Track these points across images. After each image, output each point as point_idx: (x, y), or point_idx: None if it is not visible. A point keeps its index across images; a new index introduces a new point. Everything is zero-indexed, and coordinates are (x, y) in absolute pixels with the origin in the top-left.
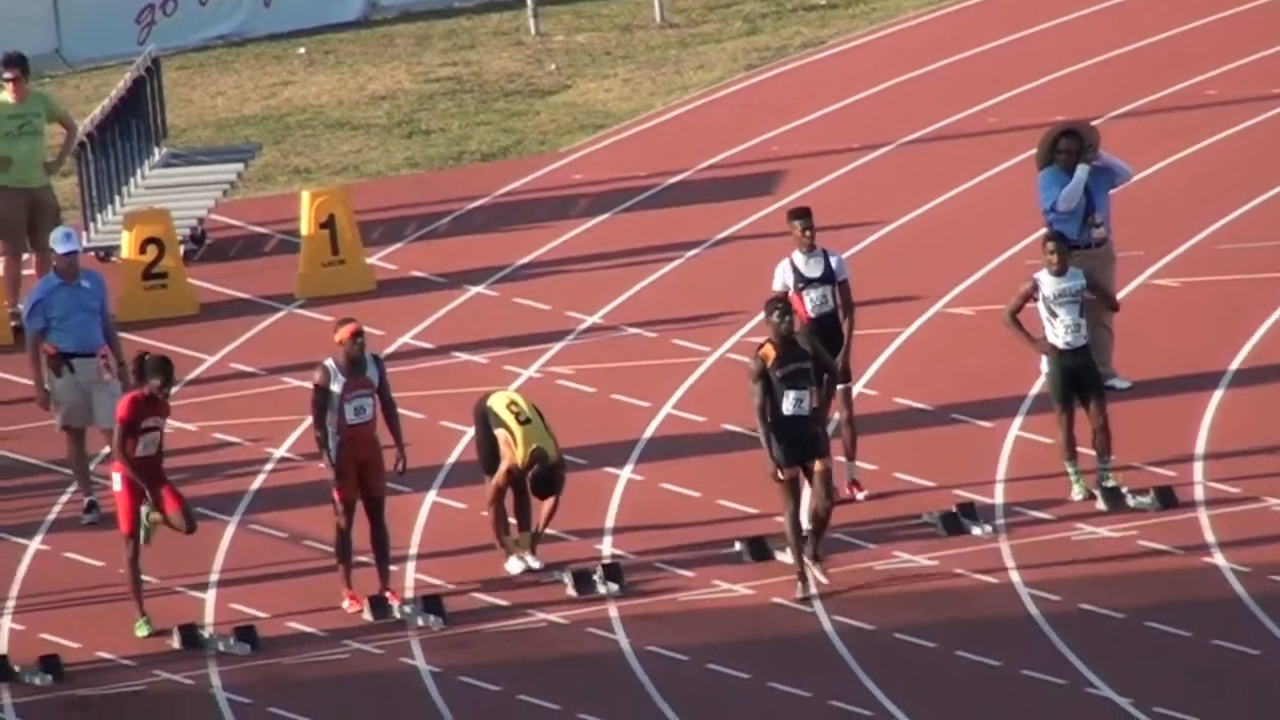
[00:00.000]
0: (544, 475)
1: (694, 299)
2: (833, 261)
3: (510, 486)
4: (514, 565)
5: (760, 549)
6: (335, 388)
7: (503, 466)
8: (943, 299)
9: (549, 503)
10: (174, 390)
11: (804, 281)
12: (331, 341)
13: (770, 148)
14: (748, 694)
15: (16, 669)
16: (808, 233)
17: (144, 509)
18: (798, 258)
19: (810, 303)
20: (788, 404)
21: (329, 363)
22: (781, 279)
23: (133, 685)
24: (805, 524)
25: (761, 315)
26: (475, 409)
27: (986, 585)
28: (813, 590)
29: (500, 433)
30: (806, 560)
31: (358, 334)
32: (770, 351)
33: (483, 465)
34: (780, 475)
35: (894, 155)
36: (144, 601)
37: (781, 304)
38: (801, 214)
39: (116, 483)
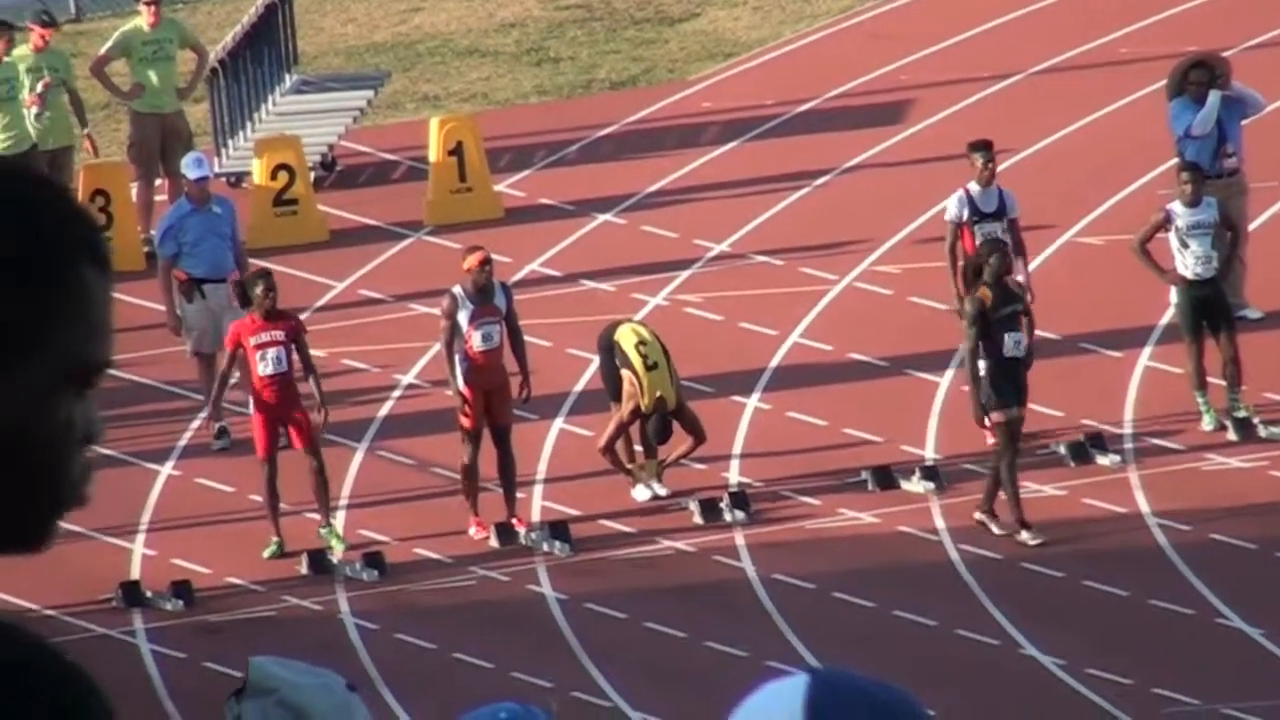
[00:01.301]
0: (661, 424)
1: (822, 227)
2: (1006, 198)
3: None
4: (640, 492)
5: (886, 478)
6: (463, 315)
7: (627, 406)
8: (1072, 229)
9: (688, 443)
10: (304, 316)
11: (978, 215)
12: (459, 269)
13: (898, 76)
14: (873, 622)
15: (148, 594)
16: (989, 165)
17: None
18: (974, 189)
19: (981, 236)
20: (1008, 345)
21: (457, 290)
22: (955, 210)
23: (262, 610)
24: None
25: (890, 243)
26: (601, 339)
27: (1114, 515)
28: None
29: (626, 373)
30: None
31: (486, 261)
32: (987, 293)
33: (608, 393)
34: (993, 419)
35: (1023, 85)
36: (279, 525)
37: (996, 244)
38: (983, 146)
39: (250, 407)
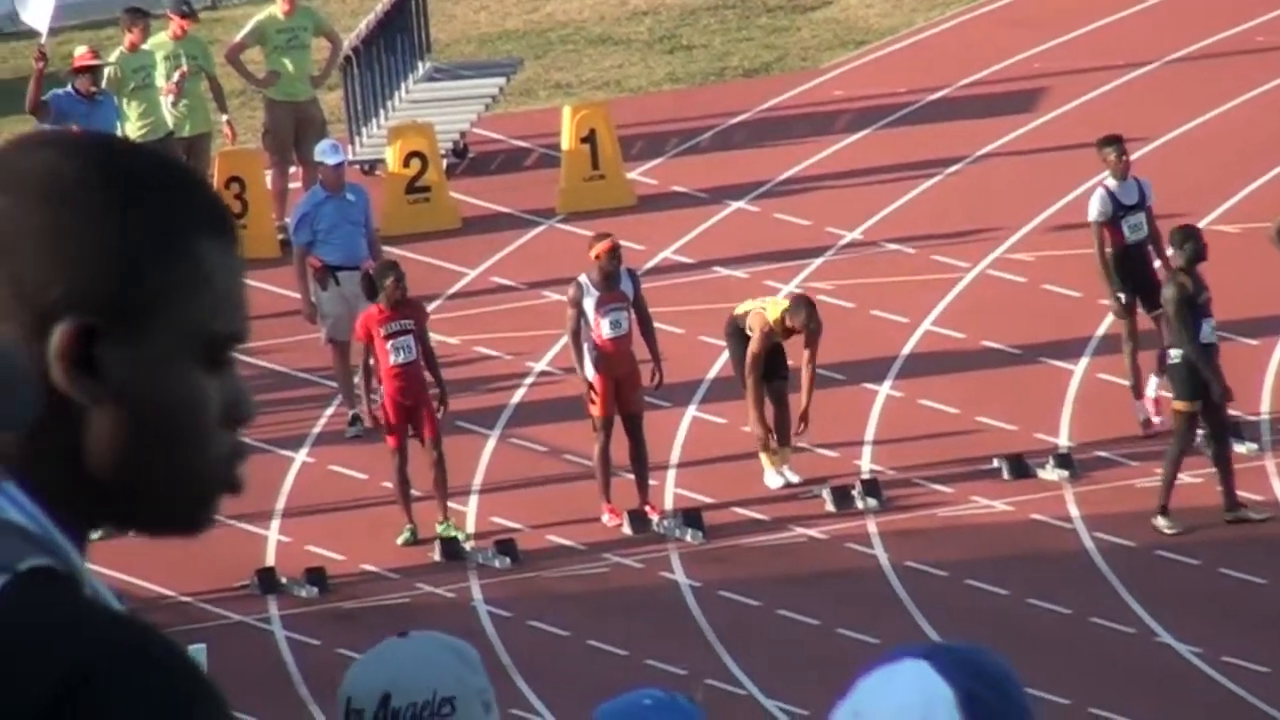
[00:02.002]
0: (803, 304)
1: (954, 215)
2: (1144, 187)
3: (770, 398)
4: (773, 479)
5: (1019, 466)
6: (589, 302)
7: (757, 334)
8: (1207, 217)
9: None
10: (436, 304)
11: (1122, 209)
12: (589, 256)
13: (1031, 64)
14: (1007, 610)
15: (283, 581)
16: (1123, 158)
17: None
18: (1112, 184)
19: (1129, 229)
20: (1205, 332)
21: (583, 278)
22: (1099, 209)
23: (395, 597)
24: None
25: (1023, 230)
26: (728, 326)
27: (1251, 503)
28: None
29: (750, 318)
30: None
31: (614, 249)
32: (1186, 280)
33: (738, 379)
34: (1176, 407)
35: (1157, 73)
36: (410, 509)
37: (1189, 231)
38: (1113, 141)
39: (380, 396)
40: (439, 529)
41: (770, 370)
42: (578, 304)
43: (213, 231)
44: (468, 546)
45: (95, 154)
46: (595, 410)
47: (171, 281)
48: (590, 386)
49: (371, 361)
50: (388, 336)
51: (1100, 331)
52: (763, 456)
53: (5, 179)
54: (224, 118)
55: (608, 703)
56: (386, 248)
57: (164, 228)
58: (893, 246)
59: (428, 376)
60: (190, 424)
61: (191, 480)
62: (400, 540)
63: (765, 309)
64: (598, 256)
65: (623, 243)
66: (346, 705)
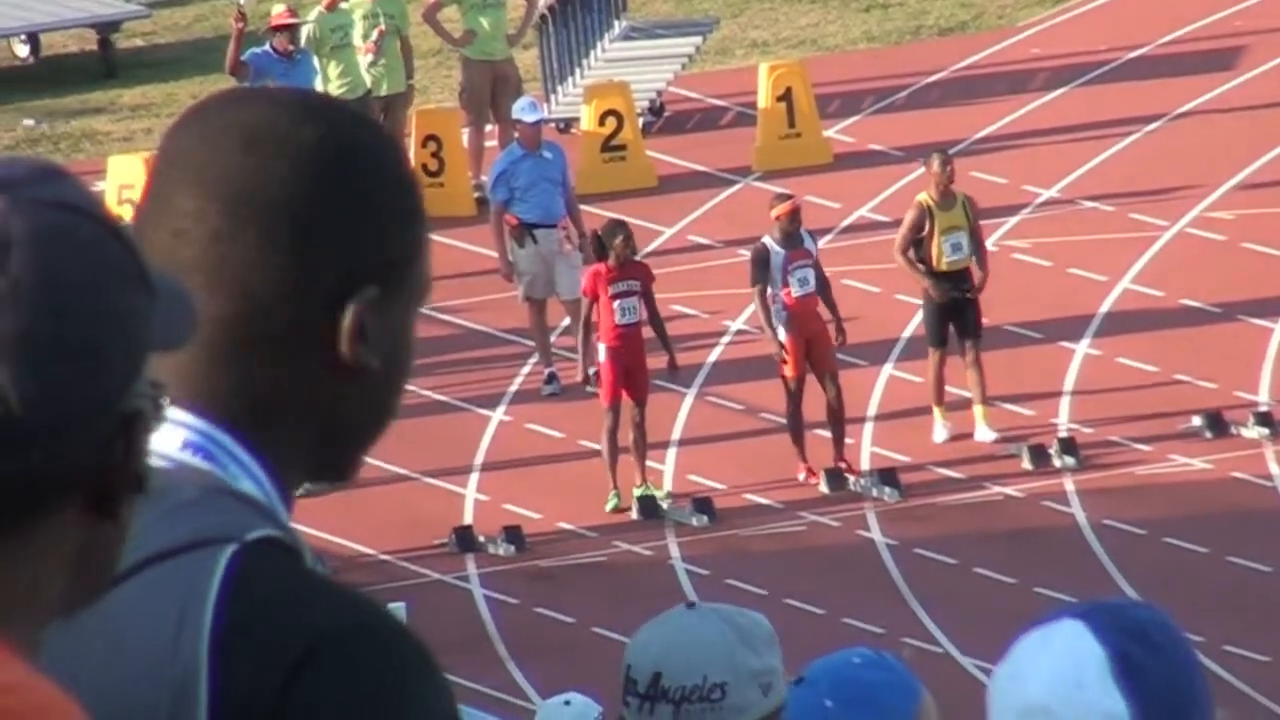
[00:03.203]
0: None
1: (1152, 173)
2: None
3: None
4: (940, 433)
5: (1218, 424)
6: (775, 263)
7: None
8: None
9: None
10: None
11: None
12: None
13: (1233, 22)
14: (1207, 568)
15: (481, 539)
16: None
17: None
18: None
19: None
20: None
21: (766, 239)
22: None
23: (592, 556)
24: None
25: (1223, 189)
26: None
27: None
28: None
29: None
30: None
31: (795, 211)
32: None
33: (929, 339)
34: None
35: None
36: (616, 474)
37: None
38: None
39: (602, 354)
40: (635, 491)
41: (963, 328)
42: (764, 264)
43: (419, 196)
44: (665, 505)
45: (340, 122)
46: (788, 370)
47: (413, 243)
48: (781, 347)
49: (595, 318)
50: (614, 296)
51: None
52: (935, 411)
53: (278, 146)
54: (409, 83)
55: (818, 661)
56: (583, 206)
57: (404, 193)
58: (1090, 204)
59: (648, 337)
60: (402, 386)
61: (382, 430)
62: (608, 507)
63: None
64: (779, 217)
65: (819, 200)
66: (626, 671)
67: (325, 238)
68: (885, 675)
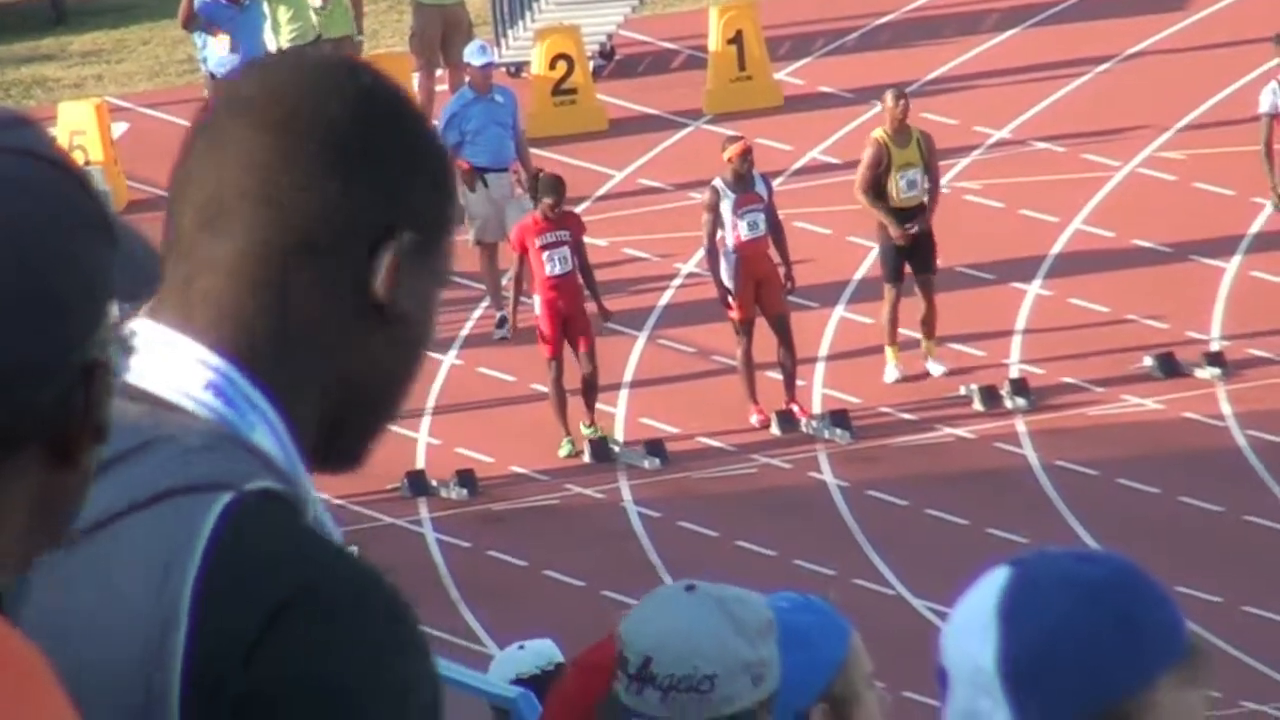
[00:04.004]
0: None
1: (1104, 114)
2: None
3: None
4: (891, 373)
5: (1170, 364)
6: (725, 205)
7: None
8: None
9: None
10: (583, 206)
11: None
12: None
13: None
14: (1158, 508)
15: (434, 483)
16: None
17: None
18: None
19: None
20: None
21: (717, 182)
22: (1270, 100)
23: (545, 499)
24: None
25: (1174, 129)
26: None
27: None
28: None
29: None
30: None
31: (747, 151)
32: None
33: (885, 275)
34: None
35: None
36: (567, 421)
37: None
38: None
39: (537, 307)
40: (585, 432)
41: (918, 264)
42: (714, 208)
43: (452, 175)
44: (616, 448)
45: (392, 91)
46: (735, 314)
47: (447, 215)
48: (728, 291)
49: (522, 271)
50: (543, 247)
51: (1254, 229)
52: (888, 350)
53: (337, 86)
54: (357, 37)
55: None
56: (533, 150)
57: (443, 165)
58: (1042, 145)
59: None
60: (422, 355)
61: (395, 412)
62: (562, 453)
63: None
64: (730, 159)
65: (769, 143)
66: (620, 648)
67: (375, 173)
68: (814, 618)
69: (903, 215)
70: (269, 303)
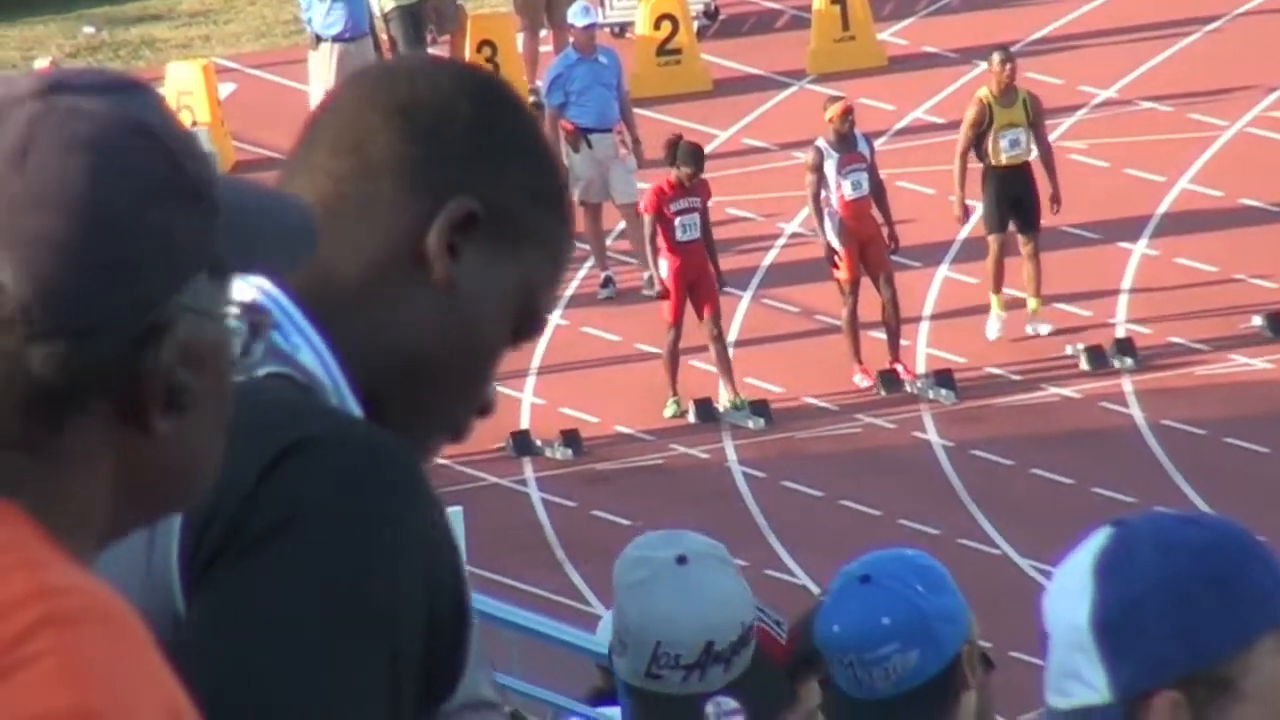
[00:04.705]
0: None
1: (1211, 73)
2: None
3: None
4: (993, 329)
5: (1278, 323)
6: (830, 165)
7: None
8: None
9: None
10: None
11: None
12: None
13: None
14: (1266, 467)
15: (538, 443)
16: None
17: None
18: None
19: None
20: None
21: (820, 142)
22: None
23: (649, 459)
24: None
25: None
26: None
27: None
28: None
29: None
30: None
31: (848, 111)
32: None
33: (987, 228)
34: None
35: None
36: (676, 383)
37: None
38: None
39: (663, 269)
40: (728, 402)
41: (1022, 223)
42: (818, 168)
43: (571, 221)
44: (721, 408)
45: (520, 101)
46: (841, 274)
47: (543, 232)
48: (834, 250)
49: (655, 232)
50: (676, 213)
51: None
52: (992, 299)
53: (444, 76)
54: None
55: (868, 559)
56: (637, 110)
57: (554, 189)
58: (1148, 105)
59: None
60: (482, 360)
61: (434, 416)
62: (667, 413)
63: None
64: (831, 119)
65: (873, 103)
66: (654, 648)
67: (458, 142)
68: (940, 565)
69: (1006, 175)
70: (328, 239)
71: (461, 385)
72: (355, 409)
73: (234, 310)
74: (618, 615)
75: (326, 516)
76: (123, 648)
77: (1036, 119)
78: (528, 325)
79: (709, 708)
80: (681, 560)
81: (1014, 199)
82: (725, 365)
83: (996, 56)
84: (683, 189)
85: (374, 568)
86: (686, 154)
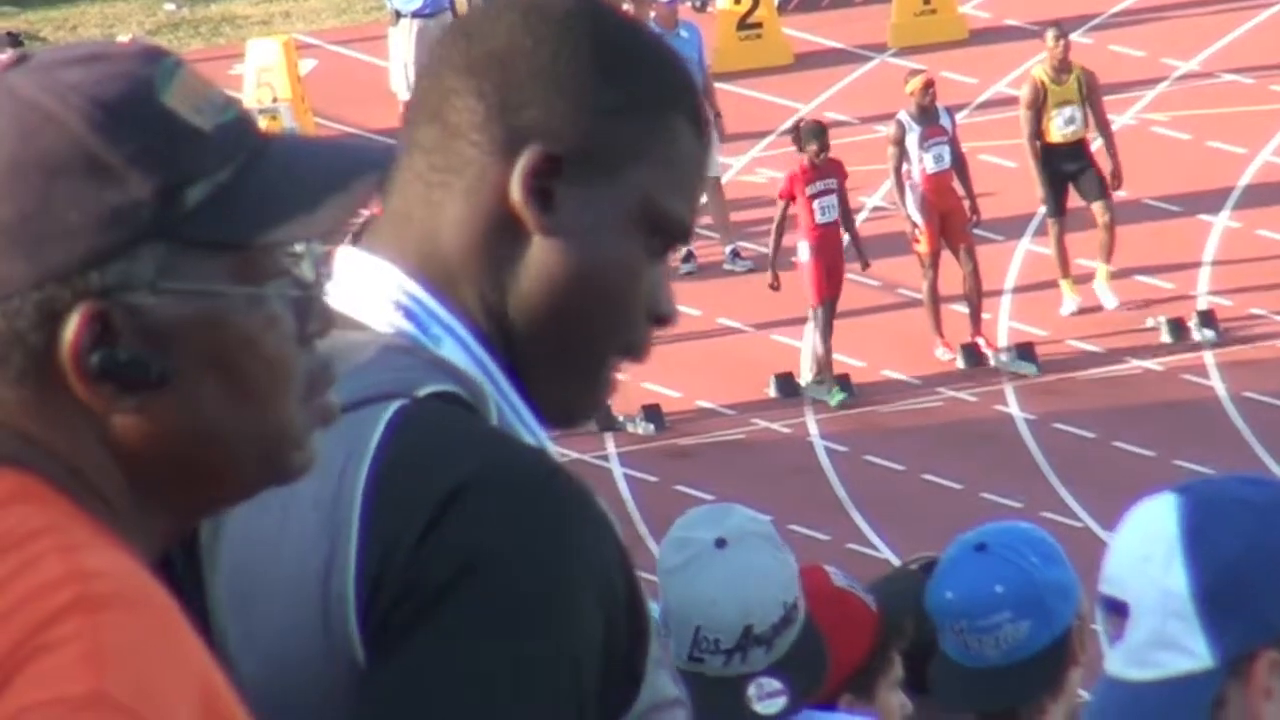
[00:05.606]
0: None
1: None
2: None
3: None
4: (1068, 305)
5: None
6: (911, 139)
7: None
8: None
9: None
10: (768, 140)
11: None
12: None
13: None
14: None
15: (620, 418)
16: None
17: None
18: None
19: None
20: None
21: (902, 115)
22: None
23: (731, 434)
24: None
25: None
26: None
27: None
28: None
29: None
30: None
31: (929, 85)
32: None
33: (1048, 210)
34: None
35: None
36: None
37: None
38: None
39: (802, 253)
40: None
41: (1087, 193)
42: (900, 141)
43: (690, 119)
44: (802, 383)
45: (601, 10)
46: (922, 247)
47: (644, 145)
48: (915, 224)
49: (785, 220)
50: (813, 196)
51: None
52: (1062, 283)
53: (506, 17)
54: None
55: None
56: (719, 84)
57: (648, 94)
58: (1229, 77)
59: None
60: (620, 289)
61: (596, 352)
62: (834, 401)
63: None
64: (913, 93)
65: (955, 76)
66: (695, 634)
67: (526, 84)
68: (1053, 540)
69: (1060, 152)
70: (428, 213)
71: (607, 319)
72: (516, 401)
73: (282, 284)
74: (660, 599)
75: (504, 564)
76: (152, 634)
77: (1091, 95)
78: (668, 233)
79: (750, 689)
80: (720, 543)
81: (1071, 175)
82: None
83: (1051, 34)
84: (816, 170)
85: (556, 612)
86: (810, 133)
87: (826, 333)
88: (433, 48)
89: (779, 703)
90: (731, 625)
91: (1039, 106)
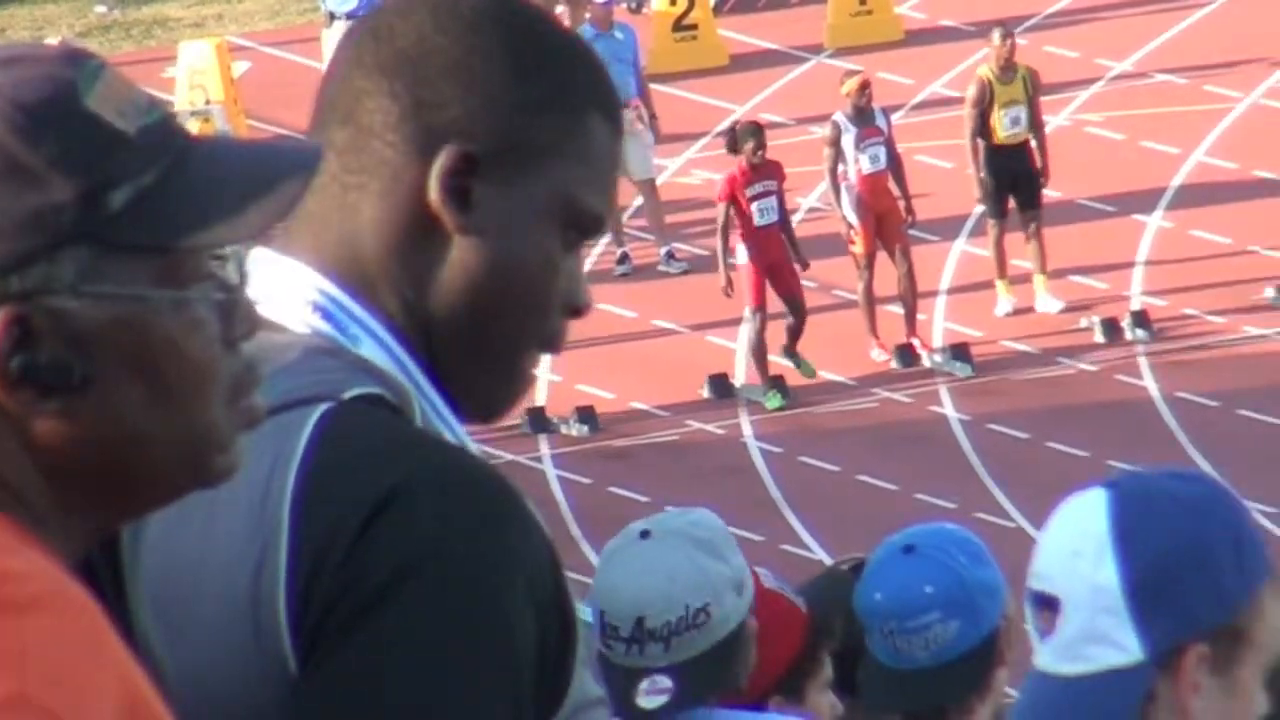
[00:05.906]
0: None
1: (1226, 46)
2: None
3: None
4: (1003, 306)
5: None
6: (848, 139)
7: None
8: None
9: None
10: (703, 142)
11: None
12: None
13: None
14: None
15: (554, 420)
16: None
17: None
18: None
19: None
20: None
21: (838, 116)
22: None
23: (666, 435)
24: None
25: None
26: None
27: None
28: None
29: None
30: None
31: (866, 85)
32: None
33: (989, 210)
34: None
35: None
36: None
37: None
38: None
39: (741, 256)
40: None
41: (1022, 200)
42: (835, 142)
43: (605, 113)
44: (737, 383)
45: (511, 6)
46: (858, 248)
47: (559, 141)
48: (850, 225)
49: (728, 222)
50: (752, 198)
51: None
52: (998, 284)
53: (418, 13)
54: None
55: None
56: (654, 86)
57: (563, 91)
58: (1163, 77)
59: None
60: (539, 284)
61: (516, 346)
62: (772, 405)
63: None
64: (849, 93)
65: (891, 77)
66: (600, 617)
67: (439, 82)
68: (980, 540)
69: (1005, 153)
70: (344, 220)
71: (526, 314)
72: (437, 400)
73: (203, 288)
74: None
75: (441, 567)
76: (74, 636)
77: (1034, 95)
78: (582, 227)
79: (642, 683)
80: (644, 535)
81: (1014, 178)
82: (795, 343)
83: (997, 33)
84: (755, 171)
85: (492, 611)
86: (746, 132)
87: (761, 336)
88: (339, 48)
89: (659, 700)
90: (624, 614)
91: (985, 105)
